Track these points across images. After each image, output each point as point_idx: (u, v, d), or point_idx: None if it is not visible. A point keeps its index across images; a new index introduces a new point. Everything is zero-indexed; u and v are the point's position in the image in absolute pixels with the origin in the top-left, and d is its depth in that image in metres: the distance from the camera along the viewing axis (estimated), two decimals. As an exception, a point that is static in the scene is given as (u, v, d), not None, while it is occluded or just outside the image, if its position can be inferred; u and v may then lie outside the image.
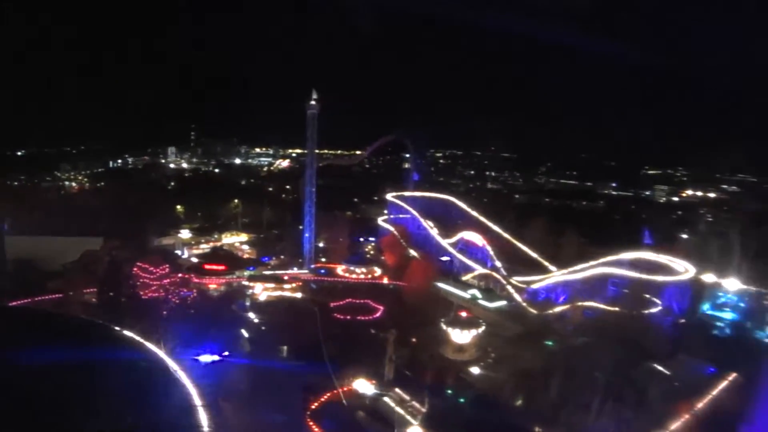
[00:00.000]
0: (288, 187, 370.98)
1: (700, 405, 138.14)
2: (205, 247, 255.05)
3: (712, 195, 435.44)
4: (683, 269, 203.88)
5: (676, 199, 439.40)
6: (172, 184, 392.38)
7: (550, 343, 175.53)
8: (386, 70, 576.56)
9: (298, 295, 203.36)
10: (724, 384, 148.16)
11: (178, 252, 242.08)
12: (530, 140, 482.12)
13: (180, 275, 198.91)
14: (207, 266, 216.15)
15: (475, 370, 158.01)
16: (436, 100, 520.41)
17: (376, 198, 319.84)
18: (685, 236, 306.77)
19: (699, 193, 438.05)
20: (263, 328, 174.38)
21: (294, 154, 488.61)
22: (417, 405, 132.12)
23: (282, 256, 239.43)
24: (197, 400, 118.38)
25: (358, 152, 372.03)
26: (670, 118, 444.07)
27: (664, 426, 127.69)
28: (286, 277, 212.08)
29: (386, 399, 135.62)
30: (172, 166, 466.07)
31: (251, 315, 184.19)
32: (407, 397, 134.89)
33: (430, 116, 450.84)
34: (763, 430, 77.98)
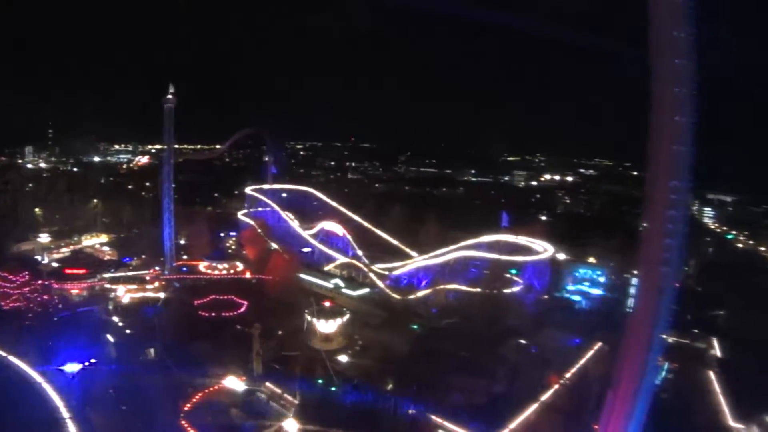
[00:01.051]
0: (148, 183, 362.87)
1: (569, 375, 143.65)
2: (65, 251, 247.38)
3: (569, 178, 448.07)
4: (542, 249, 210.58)
5: (534, 183, 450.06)
6: (30, 185, 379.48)
7: (415, 326, 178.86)
8: (246, 63, 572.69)
9: (162, 294, 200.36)
10: (590, 353, 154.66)
11: (38, 258, 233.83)
12: (389, 130, 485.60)
13: (40, 282, 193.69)
14: (68, 271, 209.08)
15: (343, 358, 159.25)
16: (295, 92, 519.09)
17: (236, 192, 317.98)
18: (543, 218, 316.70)
19: (557, 177, 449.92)
20: (129, 331, 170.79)
21: (153, 150, 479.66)
22: (289, 397, 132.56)
23: (143, 256, 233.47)
24: (64, 412, 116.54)
25: (217, 146, 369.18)
26: (527, 106, 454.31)
27: (535, 397, 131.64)
28: (148, 277, 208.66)
29: (258, 394, 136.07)
30: (29, 166, 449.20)
31: (116, 318, 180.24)
32: (279, 391, 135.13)
33: (290, 108, 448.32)
34: (627, 394, 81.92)
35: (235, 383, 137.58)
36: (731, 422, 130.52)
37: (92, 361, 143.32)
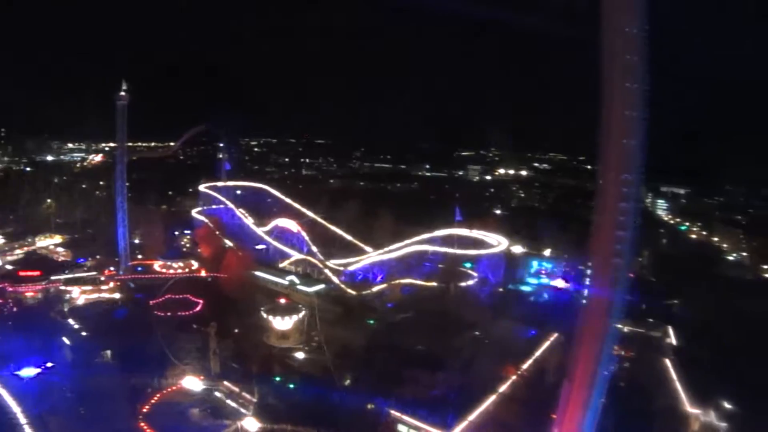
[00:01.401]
0: (102, 182, 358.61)
1: (525, 365, 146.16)
2: (18, 253, 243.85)
3: (524, 173, 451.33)
4: (496, 242, 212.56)
5: (489, 177, 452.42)
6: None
7: (371, 321, 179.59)
8: (200, 59, 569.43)
9: (117, 295, 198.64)
10: (546, 344, 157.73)
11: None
12: (344, 126, 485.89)
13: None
14: (21, 273, 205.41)
15: (300, 355, 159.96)
16: (249, 88, 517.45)
17: (191, 190, 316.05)
18: (498, 211, 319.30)
19: (511, 171, 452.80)
20: (84, 333, 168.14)
21: (107, 148, 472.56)
22: (247, 395, 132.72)
23: (98, 256, 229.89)
24: (21, 418, 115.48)
25: (171, 143, 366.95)
26: (482, 100, 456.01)
27: (493, 389, 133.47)
28: (102, 278, 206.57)
29: (216, 393, 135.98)
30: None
31: (71, 321, 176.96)
32: (237, 389, 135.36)
33: (244, 105, 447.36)
34: (583, 383, 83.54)
35: (193, 383, 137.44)
36: (688, 408, 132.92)
37: (49, 365, 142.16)
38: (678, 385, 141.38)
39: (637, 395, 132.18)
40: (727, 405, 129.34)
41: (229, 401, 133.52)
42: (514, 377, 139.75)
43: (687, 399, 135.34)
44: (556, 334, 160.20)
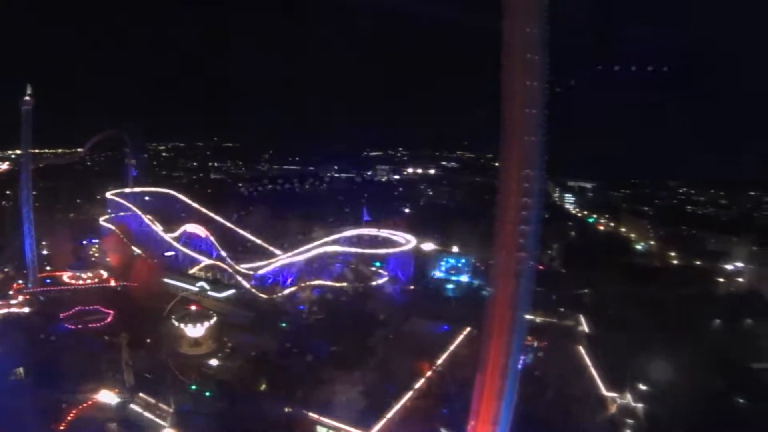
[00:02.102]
0: (8, 192, 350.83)
1: (440, 361, 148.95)
2: None
3: (432, 171, 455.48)
4: (404, 241, 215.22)
5: (397, 177, 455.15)
6: None
7: (284, 325, 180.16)
8: (106, 63, 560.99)
9: (26, 309, 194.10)
10: (459, 339, 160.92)
11: None
12: (252, 129, 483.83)
13: None
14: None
15: (214, 361, 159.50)
16: (156, 92, 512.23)
17: (98, 197, 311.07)
18: (407, 210, 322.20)
19: (420, 171, 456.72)
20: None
21: (13, 156, 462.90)
22: (164, 406, 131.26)
23: (6, 269, 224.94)
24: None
25: (78, 150, 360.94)
26: (391, 101, 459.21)
27: (409, 386, 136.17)
28: (11, 292, 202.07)
29: (133, 406, 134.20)
30: None
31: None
32: (153, 400, 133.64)
33: (152, 109, 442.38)
34: (495, 375, 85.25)
35: (108, 396, 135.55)
36: (604, 392, 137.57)
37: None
38: (593, 371, 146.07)
39: (553, 383, 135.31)
40: (641, 387, 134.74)
41: (146, 413, 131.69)
42: (429, 373, 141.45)
43: (602, 383, 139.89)
44: (468, 329, 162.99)
